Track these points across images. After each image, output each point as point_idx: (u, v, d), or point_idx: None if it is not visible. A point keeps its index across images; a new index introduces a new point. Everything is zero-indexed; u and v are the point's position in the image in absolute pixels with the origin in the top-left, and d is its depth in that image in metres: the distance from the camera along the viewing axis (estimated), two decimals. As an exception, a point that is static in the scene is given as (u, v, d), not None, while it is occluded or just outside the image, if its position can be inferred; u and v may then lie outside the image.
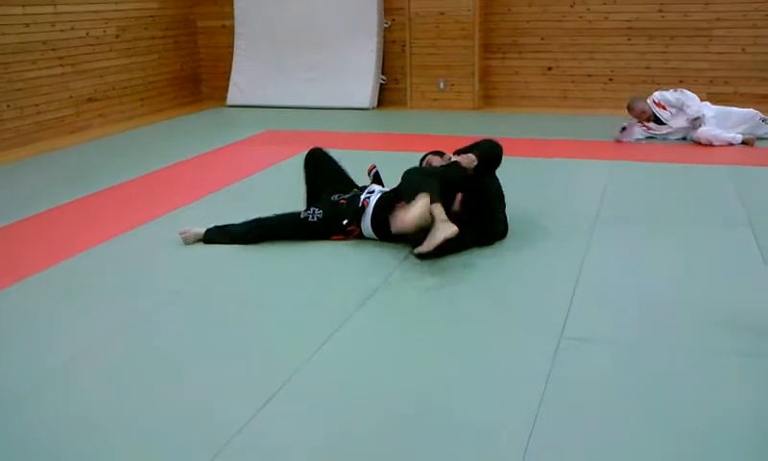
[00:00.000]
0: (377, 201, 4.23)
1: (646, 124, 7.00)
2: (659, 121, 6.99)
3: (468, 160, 4.11)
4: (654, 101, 7.01)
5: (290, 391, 2.81)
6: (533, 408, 2.65)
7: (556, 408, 2.66)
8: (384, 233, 4.19)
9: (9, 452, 2.52)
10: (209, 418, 2.65)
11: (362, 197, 4.28)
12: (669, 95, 7.00)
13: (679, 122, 6.89)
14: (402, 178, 4.07)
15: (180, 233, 4.41)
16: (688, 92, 7.02)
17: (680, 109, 6.90)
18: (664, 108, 6.96)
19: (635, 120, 7.05)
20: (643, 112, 6.99)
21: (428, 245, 3.72)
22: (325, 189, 4.46)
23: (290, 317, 3.46)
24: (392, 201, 4.17)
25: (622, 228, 4.57)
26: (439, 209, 3.78)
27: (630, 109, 7.08)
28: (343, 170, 4.59)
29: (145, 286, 3.86)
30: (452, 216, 3.86)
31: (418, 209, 3.68)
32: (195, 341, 3.25)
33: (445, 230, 3.73)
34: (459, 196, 4.12)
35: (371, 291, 3.67)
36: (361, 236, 4.26)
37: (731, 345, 3.09)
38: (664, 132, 6.97)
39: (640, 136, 7.00)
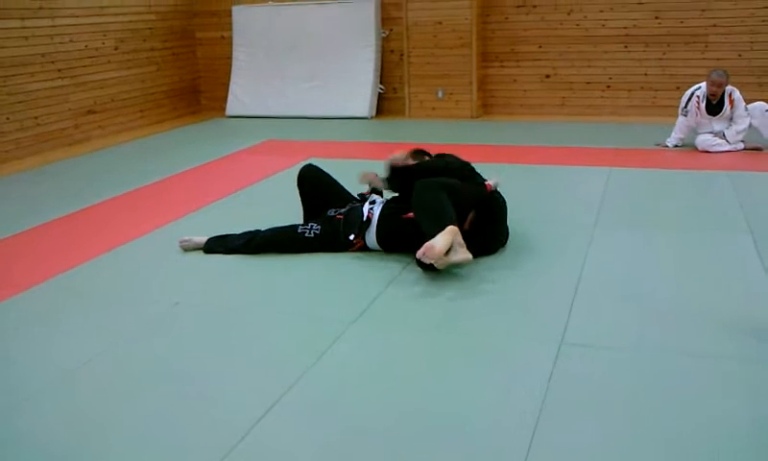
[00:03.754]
0: (381, 211, 4.23)
1: (699, 107, 6.67)
2: (714, 111, 6.69)
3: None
4: (730, 94, 6.65)
5: (293, 397, 2.82)
6: (534, 414, 2.65)
7: (557, 414, 2.66)
8: (388, 245, 4.19)
9: (14, 457, 2.53)
10: (213, 425, 2.66)
11: (365, 208, 4.26)
12: (742, 104, 6.66)
13: (720, 125, 6.71)
14: (417, 194, 3.98)
15: (181, 242, 4.46)
16: (754, 121, 6.69)
17: (731, 118, 6.67)
18: (732, 105, 6.66)
19: (700, 91, 6.71)
20: (720, 87, 6.61)
21: (441, 263, 3.71)
22: (323, 205, 4.47)
23: (292, 325, 3.47)
24: (397, 211, 4.17)
25: (621, 234, 4.59)
26: (457, 233, 3.83)
27: (711, 75, 6.64)
28: (338, 184, 4.60)
29: (147, 296, 3.87)
30: (462, 232, 3.90)
31: (445, 242, 3.69)
32: (198, 349, 3.26)
33: (460, 255, 3.75)
34: (471, 216, 4.13)
35: (371, 299, 3.68)
36: (364, 248, 4.26)
37: (731, 351, 3.10)
38: (705, 126, 6.72)
39: (692, 123, 6.77)
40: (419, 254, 3.68)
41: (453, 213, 3.84)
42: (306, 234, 4.27)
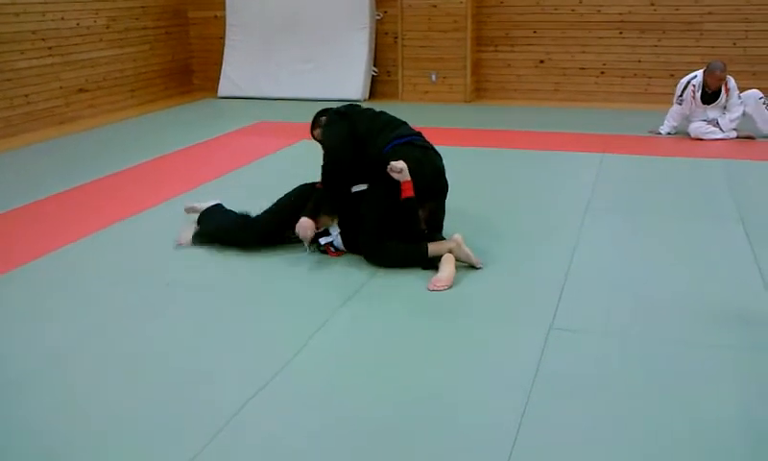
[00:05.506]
0: (343, 242, 4.04)
1: (695, 96, 6.62)
2: (709, 100, 6.65)
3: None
4: (726, 83, 6.61)
5: (281, 381, 2.81)
6: (522, 399, 2.65)
7: (545, 399, 2.66)
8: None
9: (4, 436, 2.52)
10: (202, 406, 2.65)
11: (325, 243, 4.06)
12: (736, 92, 6.64)
13: (714, 113, 6.68)
14: (379, 259, 3.89)
15: (187, 208, 4.50)
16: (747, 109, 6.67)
17: (724, 106, 6.65)
18: (727, 94, 6.63)
19: (696, 80, 6.66)
20: (720, 80, 6.57)
21: (447, 281, 3.66)
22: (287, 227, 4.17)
23: (279, 311, 3.46)
24: (356, 243, 4.03)
25: (613, 220, 4.58)
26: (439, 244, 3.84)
27: (715, 69, 6.56)
28: (286, 203, 4.23)
29: (138, 277, 3.84)
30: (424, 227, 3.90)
31: (449, 271, 3.68)
32: (189, 330, 3.25)
33: (452, 253, 3.78)
34: (423, 215, 3.93)
35: (357, 286, 3.66)
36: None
37: (720, 338, 3.11)
38: (698, 114, 6.69)
39: (687, 112, 6.72)
40: (429, 288, 3.63)
41: (415, 246, 3.84)
42: (292, 238, 4.15)
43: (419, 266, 3.83)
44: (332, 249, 4.06)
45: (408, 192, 3.80)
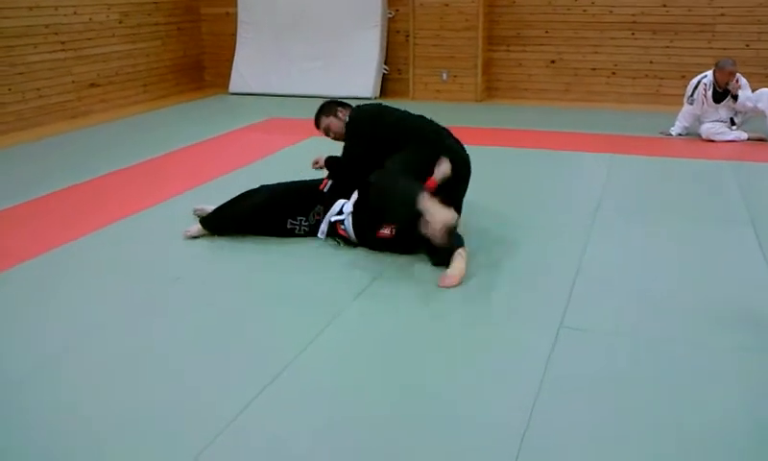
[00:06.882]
0: (353, 226, 4.04)
1: (706, 95, 6.62)
2: (720, 99, 6.64)
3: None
4: (737, 80, 6.61)
5: (284, 382, 2.80)
6: (531, 397, 2.65)
7: (553, 398, 2.66)
8: (373, 245, 4.07)
9: (4, 436, 2.52)
10: (203, 407, 2.64)
11: (335, 221, 4.10)
12: (748, 89, 6.63)
13: (726, 112, 6.69)
14: (375, 187, 3.83)
15: (195, 210, 4.59)
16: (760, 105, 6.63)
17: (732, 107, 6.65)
18: (738, 87, 6.62)
19: (707, 79, 6.68)
20: (730, 76, 6.57)
21: (457, 277, 3.62)
22: (289, 214, 4.26)
23: (285, 308, 3.45)
24: (367, 227, 4.01)
25: (623, 220, 4.57)
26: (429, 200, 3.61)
27: (725, 65, 6.59)
28: (295, 187, 4.35)
29: (144, 272, 3.85)
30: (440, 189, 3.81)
31: (462, 263, 3.66)
32: (192, 329, 3.24)
33: (442, 217, 3.53)
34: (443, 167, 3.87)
35: (365, 284, 3.66)
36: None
37: (729, 339, 3.09)
38: (710, 115, 6.68)
39: (698, 112, 6.72)
40: (440, 284, 3.58)
41: (414, 187, 3.64)
42: (296, 231, 4.22)
43: (405, 210, 3.62)
44: (342, 227, 4.08)
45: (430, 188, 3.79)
